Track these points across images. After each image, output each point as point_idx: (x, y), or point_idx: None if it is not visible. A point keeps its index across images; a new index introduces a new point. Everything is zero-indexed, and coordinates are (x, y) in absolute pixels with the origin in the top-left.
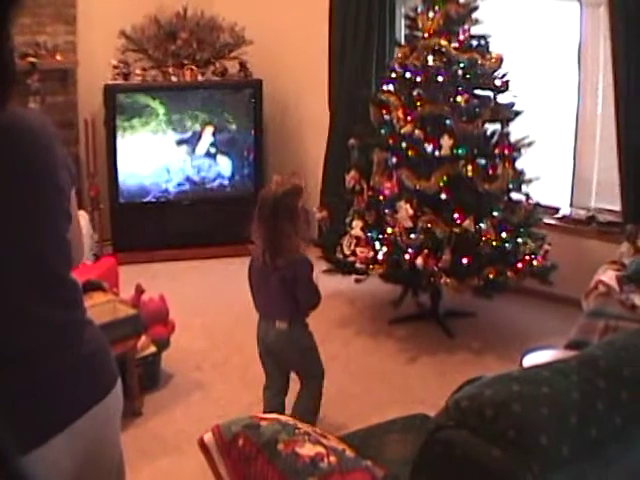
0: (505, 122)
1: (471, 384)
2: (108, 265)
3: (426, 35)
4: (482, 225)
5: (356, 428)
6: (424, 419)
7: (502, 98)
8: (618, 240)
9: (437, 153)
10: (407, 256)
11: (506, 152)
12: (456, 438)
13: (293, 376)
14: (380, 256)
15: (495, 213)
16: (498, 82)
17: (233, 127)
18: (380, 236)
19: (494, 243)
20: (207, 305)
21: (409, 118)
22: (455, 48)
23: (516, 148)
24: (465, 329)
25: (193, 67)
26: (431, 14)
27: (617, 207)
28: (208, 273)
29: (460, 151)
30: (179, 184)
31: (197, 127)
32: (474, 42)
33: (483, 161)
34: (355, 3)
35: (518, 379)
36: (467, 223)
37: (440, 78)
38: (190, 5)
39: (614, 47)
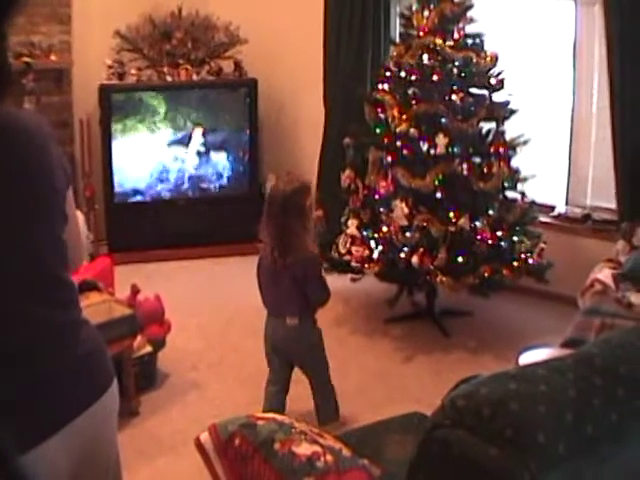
0: (500, 121)
1: (467, 383)
2: (103, 265)
3: (421, 34)
4: (477, 223)
5: (352, 427)
6: (421, 418)
7: (497, 97)
8: (614, 238)
9: (432, 152)
10: (402, 255)
11: (501, 151)
12: (453, 437)
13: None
14: (375, 255)
15: (490, 212)
16: (493, 80)
17: (228, 126)
18: (375, 235)
19: (490, 241)
20: (202, 305)
21: (404, 117)
22: (450, 47)
23: (511, 146)
24: (461, 328)
25: (188, 66)
26: (426, 13)
27: (613, 205)
28: (204, 273)
29: (455, 150)
30: (174, 184)
31: (192, 127)
32: (469, 41)
33: (478, 160)
34: (350, 2)
35: (515, 377)
36: (462, 222)
37: (435, 77)
38: (185, 4)
39: (609, 45)
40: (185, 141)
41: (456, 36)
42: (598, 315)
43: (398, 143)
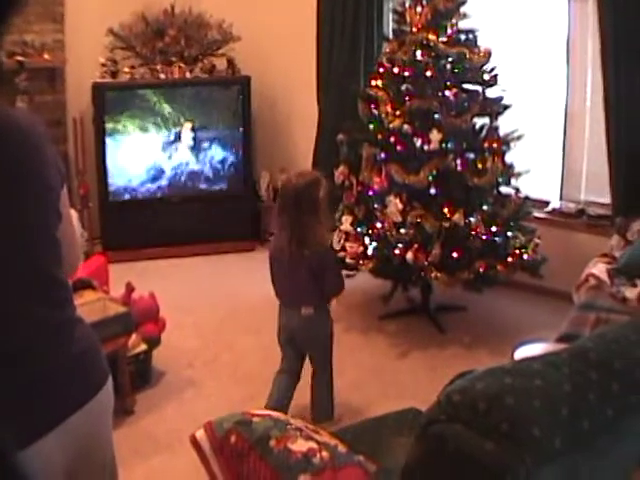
0: (494, 116)
1: (462, 378)
2: (98, 263)
3: (414, 30)
4: (472, 219)
5: (348, 423)
6: (416, 414)
7: (491, 92)
8: (608, 233)
9: (426, 147)
10: (397, 251)
11: (495, 146)
12: (449, 432)
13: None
14: (370, 251)
15: (485, 207)
16: (487, 76)
17: (222, 124)
18: (370, 231)
19: (484, 237)
20: (197, 302)
21: (398, 113)
22: (443, 42)
23: (505, 142)
24: (456, 323)
25: (181, 64)
26: (419, 8)
27: (607, 200)
28: (198, 270)
29: (449, 145)
30: (168, 181)
31: (185, 125)
32: (462, 36)
33: (472, 155)
34: None
35: (510, 372)
36: (457, 217)
37: (428, 73)
38: (178, 2)
39: (602, 41)
40: (178, 138)
41: (449, 32)
42: (593, 310)
43: (392, 139)
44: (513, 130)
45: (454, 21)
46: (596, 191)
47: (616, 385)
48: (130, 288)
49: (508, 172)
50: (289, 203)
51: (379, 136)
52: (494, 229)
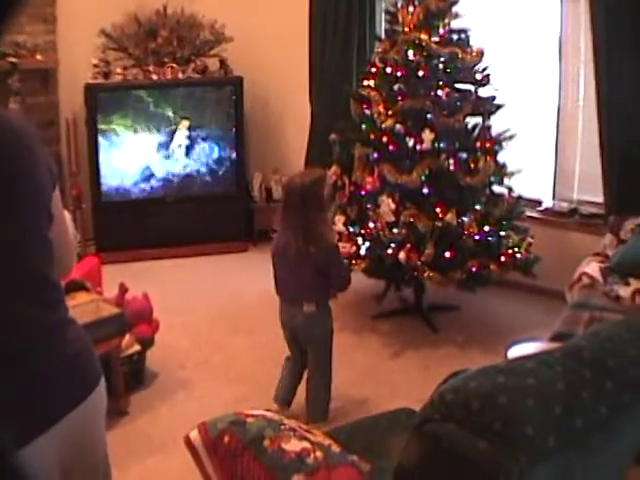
0: (486, 115)
1: (456, 377)
2: (91, 264)
3: (406, 29)
4: (464, 219)
5: (342, 423)
6: (410, 413)
7: (483, 92)
8: (601, 232)
9: (418, 147)
10: (390, 251)
11: (487, 145)
12: (442, 431)
13: None
14: (363, 251)
15: (477, 206)
16: (479, 76)
17: (214, 125)
18: (362, 231)
19: (477, 237)
20: (190, 303)
21: (390, 113)
22: (435, 42)
23: (498, 141)
24: (449, 323)
25: (174, 65)
26: (411, 8)
27: (600, 199)
28: (191, 271)
29: (441, 145)
30: (161, 182)
31: (178, 125)
32: (454, 36)
33: (465, 155)
34: None
35: (503, 371)
36: (449, 217)
37: (421, 72)
38: (170, 3)
39: (595, 40)
40: (171, 139)
41: (441, 32)
42: (586, 309)
43: (384, 139)
44: (506, 129)
45: (446, 21)
46: (589, 190)
47: (610, 383)
48: (123, 289)
49: (501, 171)
50: (295, 200)
51: (371, 136)
52: (487, 229)
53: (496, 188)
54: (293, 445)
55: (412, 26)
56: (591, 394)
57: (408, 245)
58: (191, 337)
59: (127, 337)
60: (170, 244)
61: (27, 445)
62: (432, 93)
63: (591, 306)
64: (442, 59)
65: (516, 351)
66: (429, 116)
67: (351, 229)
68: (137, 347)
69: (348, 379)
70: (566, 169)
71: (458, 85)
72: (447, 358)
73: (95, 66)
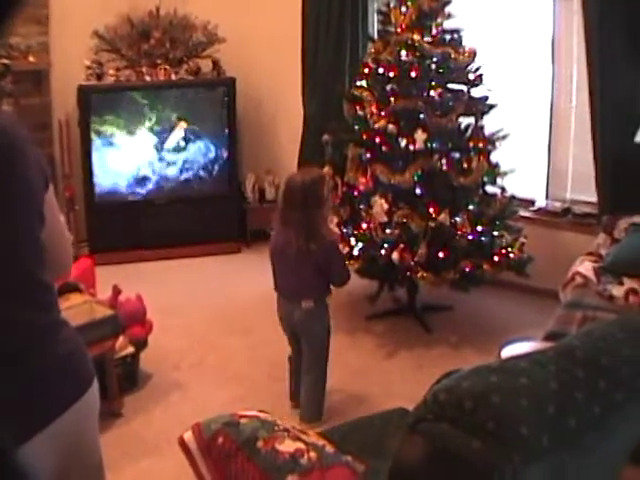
0: (479, 115)
1: (449, 377)
2: (85, 266)
3: (399, 30)
4: (457, 219)
5: (336, 424)
6: (403, 413)
7: (476, 92)
8: (594, 232)
9: (411, 147)
10: (383, 251)
11: (480, 145)
12: (435, 431)
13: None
14: (356, 252)
15: (470, 206)
16: (471, 76)
17: (207, 125)
18: (355, 231)
19: (470, 236)
20: (184, 304)
21: (383, 113)
22: (428, 42)
23: (490, 141)
24: (442, 323)
25: (166, 66)
26: (404, 9)
27: (593, 198)
28: (184, 272)
29: (434, 145)
30: (154, 183)
31: (171, 126)
32: (447, 36)
33: (457, 155)
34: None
35: (496, 370)
36: (442, 217)
37: (413, 73)
38: (163, 4)
39: (587, 39)
40: (164, 140)
41: (434, 32)
42: (580, 308)
43: (377, 139)
44: (498, 129)
45: (439, 21)
46: (582, 190)
47: (603, 383)
48: (117, 291)
49: (494, 171)
50: (296, 199)
51: (364, 136)
52: (480, 228)
53: (489, 188)
54: (287, 446)
55: (404, 26)
56: (584, 393)
57: (401, 245)
58: (185, 338)
59: (121, 339)
60: (163, 245)
61: (23, 444)
62: (425, 93)
63: (584, 305)
64: (435, 59)
65: (509, 351)
66: (422, 116)
67: (344, 230)
68: (131, 349)
69: (342, 379)
70: (559, 169)
71: (451, 85)
72: (441, 358)
73: (88, 67)
